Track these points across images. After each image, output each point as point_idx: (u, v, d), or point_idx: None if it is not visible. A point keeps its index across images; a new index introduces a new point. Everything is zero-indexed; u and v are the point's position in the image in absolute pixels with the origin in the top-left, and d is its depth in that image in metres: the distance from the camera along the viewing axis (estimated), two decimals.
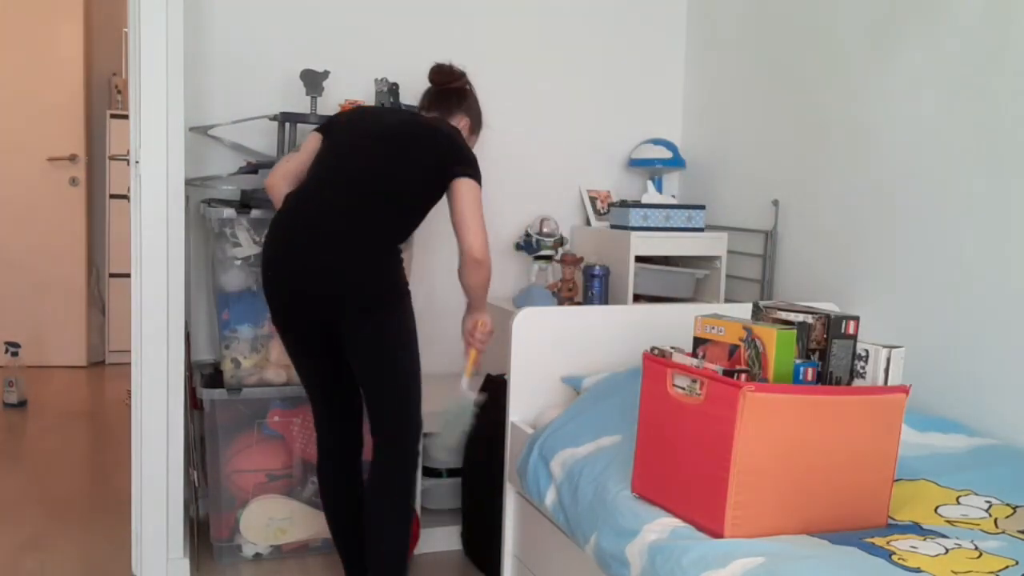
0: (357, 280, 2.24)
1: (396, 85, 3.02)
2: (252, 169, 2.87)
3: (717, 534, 1.62)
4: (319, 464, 2.51)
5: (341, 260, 2.23)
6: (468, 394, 2.53)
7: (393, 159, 2.33)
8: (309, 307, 2.30)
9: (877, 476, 1.71)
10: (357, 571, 2.50)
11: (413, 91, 3.12)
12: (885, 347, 1.77)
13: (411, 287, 2.36)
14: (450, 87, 2.59)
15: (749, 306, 1.97)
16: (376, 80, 3.04)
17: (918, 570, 1.48)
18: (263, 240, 2.38)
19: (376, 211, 2.29)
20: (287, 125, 2.91)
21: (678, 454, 1.72)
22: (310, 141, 2.47)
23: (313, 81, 2.93)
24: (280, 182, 2.44)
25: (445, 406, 2.56)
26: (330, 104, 3.00)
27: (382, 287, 2.27)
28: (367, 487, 2.42)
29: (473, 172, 2.35)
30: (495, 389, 2.74)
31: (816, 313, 1.78)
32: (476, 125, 2.65)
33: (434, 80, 2.60)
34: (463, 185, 2.32)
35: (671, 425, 1.73)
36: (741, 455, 1.59)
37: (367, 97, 3.07)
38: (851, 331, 1.77)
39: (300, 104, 3.01)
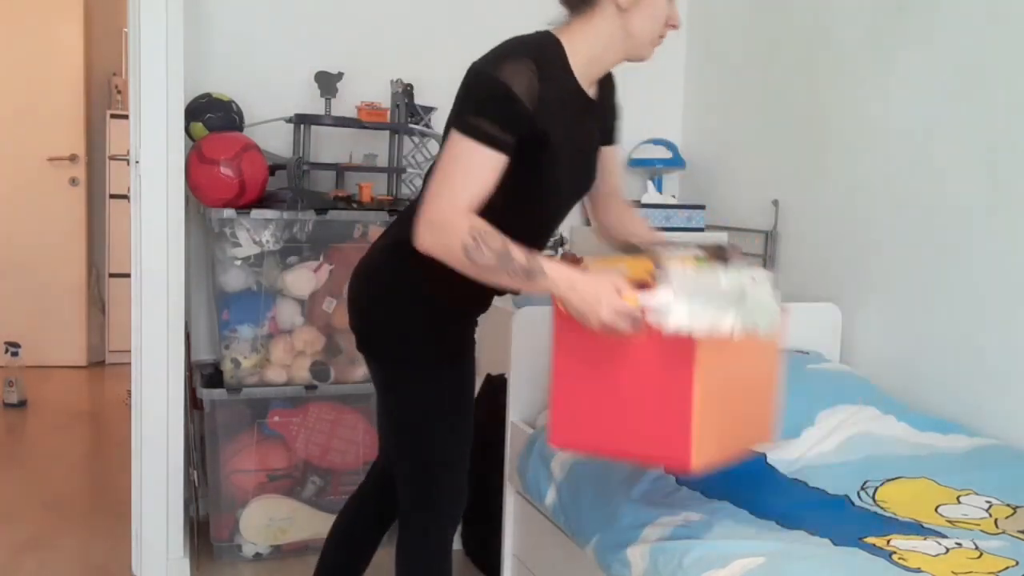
0: None
1: (410, 86, 3.01)
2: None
3: (684, 464, 1.55)
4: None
5: None
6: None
7: None
8: None
9: (769, 398, 1.76)
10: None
11: (428, 92, 3.11)
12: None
13: None
14: None
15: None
16: (392, 81, 3.03)
17: (918, 570, 1.48)
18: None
19: None
20: (303, 127, 2.87)
21: (620, 391, 1.60)
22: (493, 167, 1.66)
23: (327, 83, 2.91)
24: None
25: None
26: (345, 105, 2.99)
27: None
28: None
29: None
30: (495, 389, 2.73)
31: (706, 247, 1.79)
32: None
33: None
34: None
35: (607, 362, 1.60)
36: (701, 383, 1.52)
37: (382, 98, 3.06)
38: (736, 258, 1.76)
39: (308, 105, 2.97)
